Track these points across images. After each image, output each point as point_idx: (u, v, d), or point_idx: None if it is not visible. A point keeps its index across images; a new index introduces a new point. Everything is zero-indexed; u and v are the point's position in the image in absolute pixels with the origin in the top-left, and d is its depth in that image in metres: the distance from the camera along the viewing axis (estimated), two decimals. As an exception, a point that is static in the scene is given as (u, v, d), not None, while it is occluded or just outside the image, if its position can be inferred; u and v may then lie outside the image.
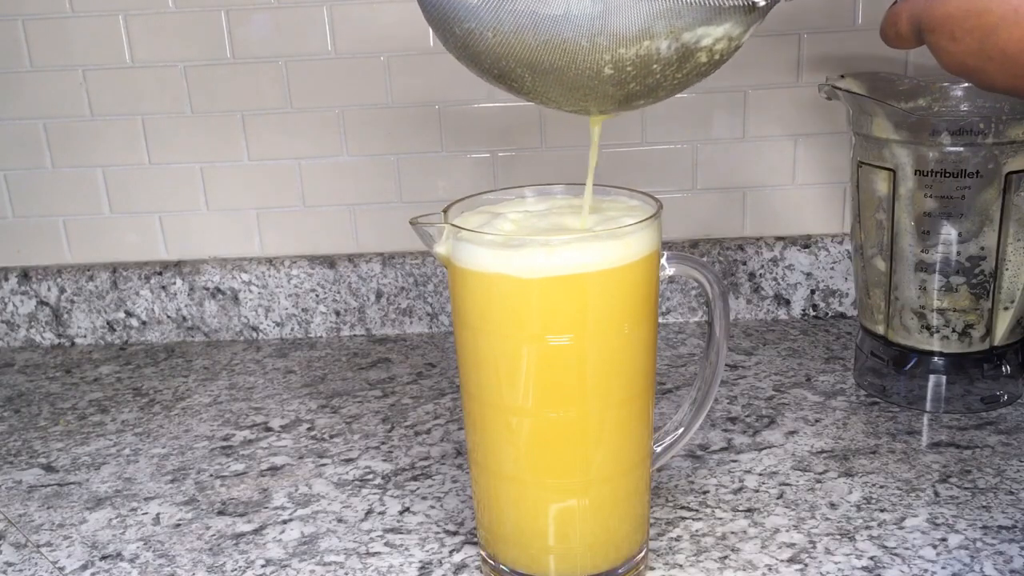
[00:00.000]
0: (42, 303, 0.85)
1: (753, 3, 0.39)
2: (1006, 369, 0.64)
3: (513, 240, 0.43)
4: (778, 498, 0.55)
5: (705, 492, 0.56)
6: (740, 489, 0.56)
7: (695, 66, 0.41)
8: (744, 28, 0.41)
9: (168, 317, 0.85)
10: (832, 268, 0.81)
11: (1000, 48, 0.36)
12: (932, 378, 0.64)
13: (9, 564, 0.53)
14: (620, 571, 0.48)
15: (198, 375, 0.78)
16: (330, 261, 0.83)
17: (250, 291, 0.84)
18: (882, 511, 0.53)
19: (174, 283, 0.84)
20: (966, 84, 0.65)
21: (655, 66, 0.40)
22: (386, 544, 0.53)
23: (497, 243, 0.43)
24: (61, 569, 0.53)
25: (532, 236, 0.44)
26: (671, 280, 0.78)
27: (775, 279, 0.82)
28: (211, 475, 0.62)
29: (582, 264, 0.42)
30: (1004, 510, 0.53)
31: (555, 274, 0.42)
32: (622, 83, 0.41)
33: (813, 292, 0.82)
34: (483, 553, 0.50)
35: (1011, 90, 0.38)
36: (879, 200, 0.63)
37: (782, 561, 0.50)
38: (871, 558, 0.49)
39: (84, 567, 0.53)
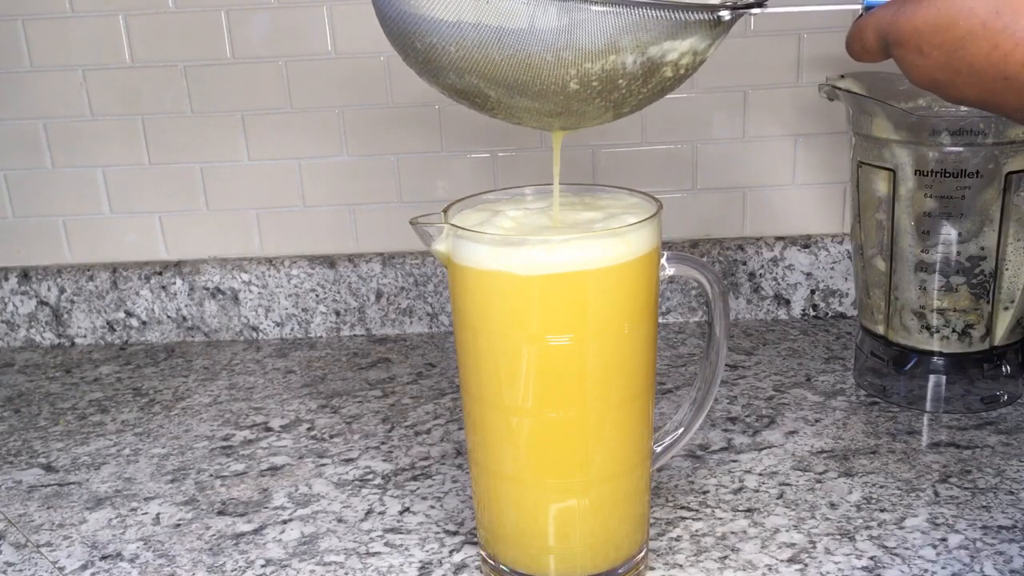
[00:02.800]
0: (42, 303, 0.85)
1: (718, 17, 0.40)
2: (1006, 369, 0.64)
3: (513, 237, 0.43)
4: (778, 498, 0.55)
5: (705, 492, 0.56)
6: (740, 489, 0.56)
7: (660, 80, 0.41)
8: (709, 42, 0.41)
9: (168, 317, 0.85)
10: (832, 268, 0.81)
11: (968, 62, 0.36)
12: (932, 378, 0.64)
13: (9, 564, 0.53)
14: (620, 571, 0.48)
15: (198, 375, 0.78)
16: (330, 261, 0.83)
17: (250, 291, 0.84)
18: (882, 511, 0.53)
19: (174, 283, 0.84)
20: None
21: (621, 81, 0.40)
22: (386, 544, 0.53)
23: (497, 240, 0.43)
24: (61, 569, 0.53)
25: (532, 233, 0.45)
26: (671, 280, 0.78)
27: (775, 279, 0.82)
28: (211, 475, 0.62)
29: (582, 261, 0.42)
30: (1004, 510, 0.53)
31: (555, 271, 0.42)
32: (588, 98, 0.41)
33: (813, 292, 0.82)
34: (483, 553, 0.50)
35: (980, 103, 0.38)
36: (879, 200, 0.63)
37: (782, 561, 0.50)
38: (871, 558, 0.49)
39: (84, 567, 0.53)
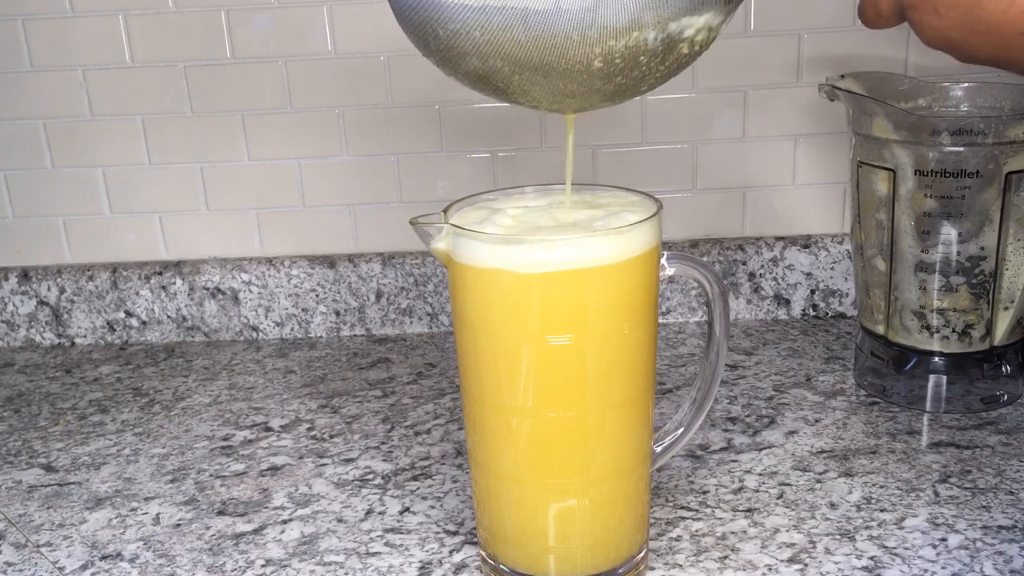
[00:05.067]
0: (42, 303, 0.85)
1: None
2: (1006, 369, 0.64)
3: (513, 236, 0.43)
4: (778, 498, 0.55)
5: (705, 492, 0.56)
6: (740, 489, 0.56)
7: (677, 57, 0.42)
8: (722, 18, 0.42)
9: (168, 317, 0.85)
10: (832, 268, 0.81)
11: (984, 20, 0.37)
12: (932, 378, 0.64)
13: (9, 564, 0.53)
14: (620, 571, 0.48)
15: (198, 375, 0.78)
16: (330, 261, 0.83)
17: (250, 291, 0.84)
18: (882, 511, 0.53)
19: (174, 283, 0.84)
20: (966, 84, 0.65)
21: (642, 57, 0.41)
22: (386, 544, 0.53)
23: (497, 238, 0.43)
24: (61, 569, 0.53)
25: (532, 230, 0.45)
26: (671, 280, 0.78)
27: (775, 279, 0.82)
28: (211, 475, 0.62)
29: (582, 259, 0.42)
30: (1004, 510, 0.53)
31: (555, 269, 0.42)
32: (610, 76, 0.41)
33: (813, 292, 0.82)
34: (483, 553, 0.50)
35: (993, 61, 0.39)
36: (879, 200, 0.63)
37: (782, 561, 0.50)
38: (871, 558, 0.49)
39: (84, 567, 0.53)
